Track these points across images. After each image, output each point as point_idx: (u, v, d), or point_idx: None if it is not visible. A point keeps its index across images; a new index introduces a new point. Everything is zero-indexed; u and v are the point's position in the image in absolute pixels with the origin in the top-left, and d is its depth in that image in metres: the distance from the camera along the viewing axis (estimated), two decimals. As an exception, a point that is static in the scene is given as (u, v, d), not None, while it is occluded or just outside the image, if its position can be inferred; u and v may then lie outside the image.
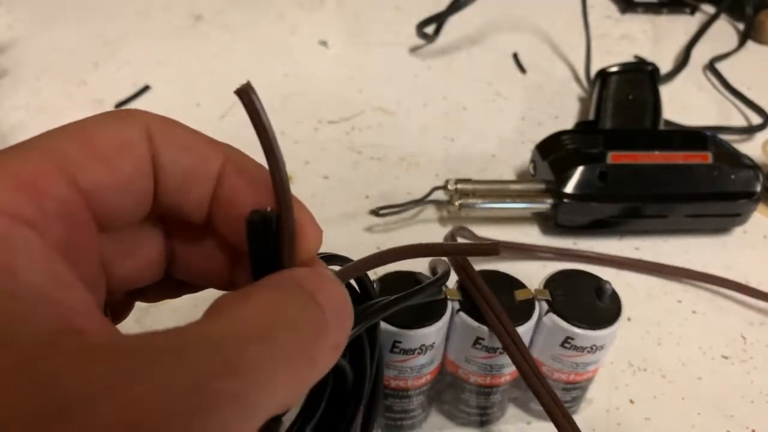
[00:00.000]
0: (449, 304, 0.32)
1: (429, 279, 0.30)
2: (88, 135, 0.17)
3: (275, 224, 0.18)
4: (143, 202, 0.19)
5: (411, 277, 0.32)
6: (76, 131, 0.17)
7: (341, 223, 0.50)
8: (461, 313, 0.32)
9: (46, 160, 0.16)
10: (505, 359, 0.32)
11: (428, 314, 0.31)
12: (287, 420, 0.26)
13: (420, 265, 0.33)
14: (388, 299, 0.26)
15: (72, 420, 0.11)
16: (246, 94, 0.16)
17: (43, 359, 0.12)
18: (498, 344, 0.31)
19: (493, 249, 0.16)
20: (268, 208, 0.18)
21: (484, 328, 0.31)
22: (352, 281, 0.27)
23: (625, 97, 0.59)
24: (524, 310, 0.32)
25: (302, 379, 0.15)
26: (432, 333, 0.31)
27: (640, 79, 0.61)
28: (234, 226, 0.19)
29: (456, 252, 0.17)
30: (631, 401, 0.39)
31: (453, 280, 0.33)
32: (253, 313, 0.15)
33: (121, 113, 0.18)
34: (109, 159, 0.17)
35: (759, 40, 0.79)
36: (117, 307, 0.23)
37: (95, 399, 0.12)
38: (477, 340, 0.32)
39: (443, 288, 0.32)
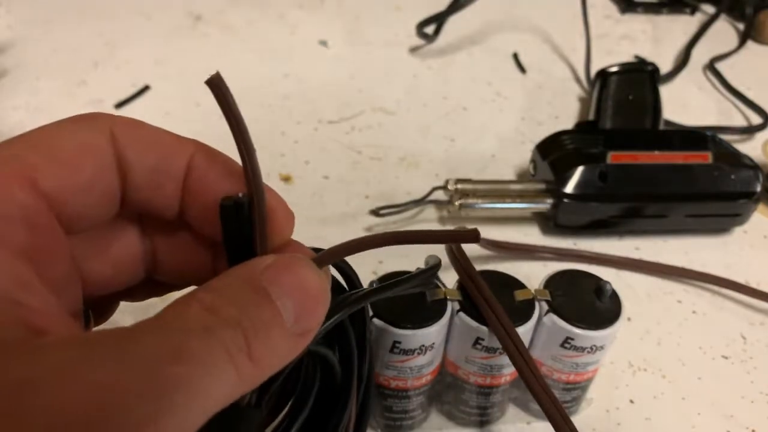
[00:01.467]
0: (449, 304, 0.32)
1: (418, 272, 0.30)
2: (49, 140, 0.17)
3: (247, 209, 0.19)
4: (109, 202, 0.19)
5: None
6: (37, 137, 0.17)
7: (341, 223, 0.50)
8: (461, 314, 0.32)
9: (6, 167, 0.16)
10: (505, 359, 0.32)
11: (428, 314, 0.31)
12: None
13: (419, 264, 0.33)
14: (368, 289, 0.26)
15: (19, 398, 0.12)
16: (215, 85, 0.17)
17: None
18: (498, 344, 0.31)
19: (473, 235, 0.16)
20: (240, 194, 0.19)
21: (484, 328, 0.31)
22: (336, 273, 0.27)
23: (625, 97, 0.59)
24: (524, 311, 0.32)
25: (244, 373, 0.15)
26: (432, 333, 0.31)
27: (640, 79, 0.61)
28: (208, 218, 0.20)
29: (436, 239, 0.17)
30: (632, 401, 0.39)
31: (453, 279, 0.33)
32: (199, 310, 0.16)
33: (85, 117, 0.19)
34: (70, 162, 0.17)
35: (759, 40, 0.79)
36: (100, 307, 0.23)
37: (46, 381, 0.12)
38: (477, 341, 0.32)
39: (434, 281, 0.32)
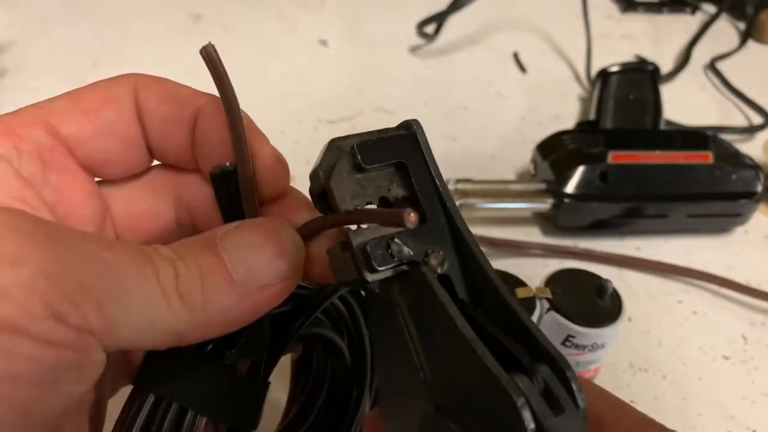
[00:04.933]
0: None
1: None
2: (76, 94, 0.20)
3: (234, 176, 0.20)
4: (132, 148, 0.21)
5: None
6: (67, 93, 0.20)
7: (341, 223, 0.50)
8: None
9: (32, 114, 0.19)
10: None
11: None
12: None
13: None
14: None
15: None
16: (208, 55, 0.18)
17: None
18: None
19: (397, 216, 0.16)
20: (228, 163, 0.20)
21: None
22: None
23: (626, 97, 0.59)
24: (525, 308, 0.32)
25: (172, 304, 0.16)
26: None
27: (640, 79, 0.61)
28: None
29: (364, 219, 0.18)
30: (632, 402, 0.39)
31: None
32: (147, 247, 0.17)
33: (113, 77, 0.21)
34: (92, 111, 0.20)
35: (760, 40, 0.79)
36: None
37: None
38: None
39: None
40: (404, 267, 0.18)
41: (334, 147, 0.19)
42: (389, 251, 0.17)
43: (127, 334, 0.16)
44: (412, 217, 0.16)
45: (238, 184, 0.20)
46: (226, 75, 0.19)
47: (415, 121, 0.19)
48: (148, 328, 0.16)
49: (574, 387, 0.15)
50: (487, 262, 0.18)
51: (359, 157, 0.18)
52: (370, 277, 0.17)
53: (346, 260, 0.18)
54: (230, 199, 0.20)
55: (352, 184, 0.18)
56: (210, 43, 0.18)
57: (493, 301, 0.17)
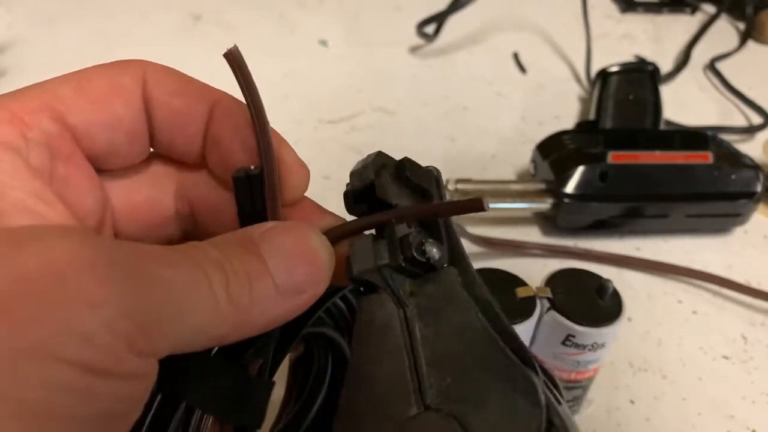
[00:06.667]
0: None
1: None
2: (82, 80, 0.19)
3: (259, 181, 0.20)
4: (137, 141, 0.20)
5: None
6: (72, 77, 0.19)
7: (341, 223, 0.50)
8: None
9: (38, 100, 0.18)
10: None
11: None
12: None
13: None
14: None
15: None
16: (233, 58, 0.18)
17: None
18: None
19: (477, 204, 0.17)
20: (252, 167, 0.20)
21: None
22: None
23: (626, 97, 0.59)
24: (525, 308, 0.32)
25: (222, 309, 0.16)
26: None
27: (640, 79, 0.61)
28: (227, 166, 0.20)
29: (442, 211, 0.18)
30: (632, 401, 0.39)
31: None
32: (191, 248, 0.17)
33: (119, 62, 0.20)
34: (99, 100, 0.19)
35: (759, 40, 0.79)
36: None
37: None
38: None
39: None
40: (428, 267, 0.18)
41: (382, 155, 0.19)
42: (422, 248, 0.18)
43: (177, 345, 0.15)
44: (488, 200, 0.17)
45: (263, 187, 0.20)
46: (251, 78, 0.19)
47: (436, 168, 0.20)
48: (197, 336, 0.16)
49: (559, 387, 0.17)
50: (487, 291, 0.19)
51: (407, 167, 0.19)
52: (405, 264, 0.18)
53: (379, 247, 0.18)
54: (252, 203, 0.20)
55: (395, 190, 0.19)
56: (235, 45, 0.18)
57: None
